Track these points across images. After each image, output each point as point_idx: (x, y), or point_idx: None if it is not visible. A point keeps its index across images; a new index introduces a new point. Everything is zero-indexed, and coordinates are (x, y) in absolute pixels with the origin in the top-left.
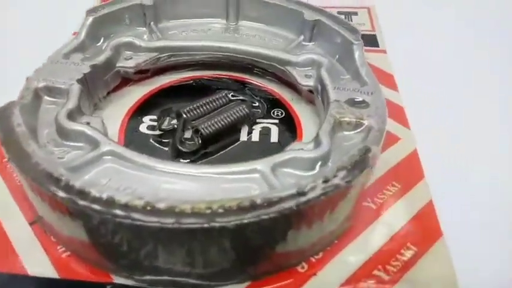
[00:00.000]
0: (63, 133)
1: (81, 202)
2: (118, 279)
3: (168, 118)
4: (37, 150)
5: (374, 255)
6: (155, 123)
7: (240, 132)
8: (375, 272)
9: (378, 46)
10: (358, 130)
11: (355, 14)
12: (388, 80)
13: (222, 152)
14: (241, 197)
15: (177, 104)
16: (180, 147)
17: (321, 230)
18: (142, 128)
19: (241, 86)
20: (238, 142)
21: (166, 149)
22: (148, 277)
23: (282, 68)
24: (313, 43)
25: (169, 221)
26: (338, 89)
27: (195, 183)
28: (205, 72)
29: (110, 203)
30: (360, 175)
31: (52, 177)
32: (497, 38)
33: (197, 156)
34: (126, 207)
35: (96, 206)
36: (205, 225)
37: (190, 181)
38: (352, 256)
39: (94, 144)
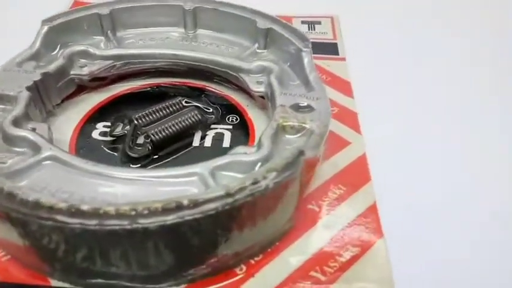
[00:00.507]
0: (8, 139)
1: (8, 205)
2: (55, 283)
3: (121, 124)
4: None
5: (313, 256)
6: (108, 130)
7: (193, 137)
8: (312, 273)
9: (338, 54)
10: (300, 134)
11: (319, 23)
12: (344, 87)
13: (172, 157)
14: (168, 199)
15: (133, 111)
16: (129, 153)
17: (256, 232)
18: (95, 135)
19: (198, 93)
20: (191, 147)
21: (116, 154)
22: (83, 280)
23: (236, 74)
24: (267, 50)
25: (92, 223)
26: (285, 95)
27: (133, 187)
28: (165, 79)
29: (35, 205)
30: (290, 177)
31: None
32: (454, 48)
33: (147, 161)
34: (50, 209)
35: (22, 209)
36: (128, 227)
37: (128, 185)
38: (292, 257)
39: (36, 149)
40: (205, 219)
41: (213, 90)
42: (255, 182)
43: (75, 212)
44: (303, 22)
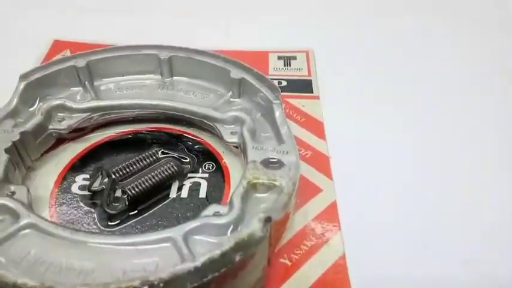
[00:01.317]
0: None
1: None
2: None
3: (99, 178)
4: None
5: None
6: (87, 183)
7: (170, 188)
8: None
9: (312, 92)
10: (269, 192)
11: (294, 58)
12: (317, 128)
13: (149, 212)
14: (136, 277)
15: (111, 161)
16: (107, 210)
17: None
18: (75, 188)
19: (175, 139)
20: (168, 200)
21: (95, 211)
22: None
23: (211, 124)
24: (241, 99)
25: None
26: (256, 149)
27: (109, 256)
28: (144, 125)
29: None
30: (255, 247)
31: None
32: (429, 87)
33: (125, 216)
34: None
35: None
36: None
37: (105, 253)
38: None
39: (15, 217)
40: None
41: (190, 135)
42: (223, 255)
43: None
44: (279, 57)
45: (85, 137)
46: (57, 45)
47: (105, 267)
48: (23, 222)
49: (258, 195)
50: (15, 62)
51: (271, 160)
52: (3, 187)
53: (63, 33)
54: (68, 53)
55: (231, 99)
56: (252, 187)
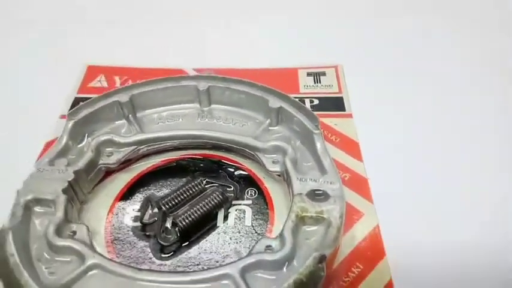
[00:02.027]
0: (53, 248)
1: None
2: None
3: (149, 209)
4: (30, 280)
5: None
6: (138, 214)
7: (216, 217)
8: None
9: (344, 110)
10: (318, 226)
11: (324, 74)
12: (353, 149)
13: (200, 242)
14: None
15: (158, 188)
16: (161, 242)
17: None
18: (127, 220)
19: (216, 165)
20: (216, 229)
21: (148, 243)
22: None
23: (252, 152)
24: (280, 127)
25: None
26: (300, 181)
27: None
28: (184, 152)
29: None
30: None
31: None
32: (471, 101)
33: (177, 247)
34: None
35: None
36: None
37: None
38: None
39: (80, 257)
40: None
41: (230, 161)
42: None
43: None
44: (308, 74)
45: (130, 167)
46: (92, 71)
47: None
48: (89, 263)
49: (307, 228)
50: (52, 88)
51: (316, 192)
52: (65, 227)
53: (95, 58)
54: (102, 78)
55: (270, 128)
56: (301, 220)
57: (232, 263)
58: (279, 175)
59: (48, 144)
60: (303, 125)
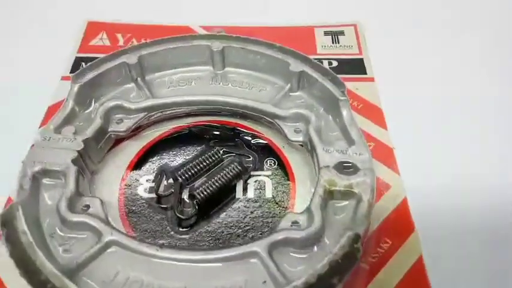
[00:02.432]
0: (66, 225)
1: None
2: None
3: (164, 179)
4: (44, 261)
5: None
6: (152, 184)
7: (235, 189)
8: None
9: (365, 73)
10: (348, 201)
11: (342, 33)
12: (376, 116)
13: (220, 216)
14: None
15: (171, 157)
16: (179, 216)
17: None
18: (141, 191)
19: (232, 133)
20: (235, 201)
21: (165, 216)
22: None
23: (271, 120)
24: (301, 93)
25: None
26: (326, 152)
27: (196, 274)
28: (197, 119)
29: None
30: (351, 270)
31: None
32: (503, 65)
33: (195, 220)
34: None
35: None
36: None
37: (190, 272)
38: None
39: (97, 233)
40: None
41: (247, 129)
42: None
43: None
44: (325, 33)
45: (141, 134)
46: (92, 27)
47: (195, 286)
48: (107, 239)
49: (335, 203)
50: (51, 47)
51: (345, 165)
52: (77, 201)
53: (96, 13)
54: (104, 36)
55: (290, 93)
56: (329, 195)
57: (258, 239)
58: (301, 145)
59: (51, 109)
60: (328, 91)
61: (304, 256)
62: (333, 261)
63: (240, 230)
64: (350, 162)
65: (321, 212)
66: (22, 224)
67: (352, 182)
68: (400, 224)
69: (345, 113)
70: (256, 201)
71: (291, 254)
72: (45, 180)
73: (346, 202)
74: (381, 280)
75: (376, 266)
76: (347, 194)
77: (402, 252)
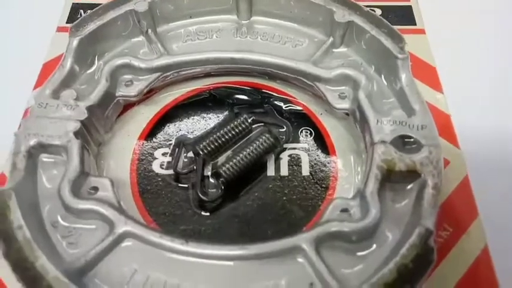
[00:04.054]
0: (70, 212)
1: None
2: None
3: (182, 153)
4: (46, 263)
5: None
6: (169, 159)
7: (266, 165)
8: None
9: (414, 23)
10: (410, 186)
11: None
12: (429, 76)
13: (250, 197)
14: None
15: (189, 126)
16: (203, 198)
17: None
18: (156, 167)
19: (260, 97)
20: (267, 180)
21: (185, 197)
22: None
23: (310, 83)
24: (347, 49)
25: None
26: (382, 123)
27: (227, 275)
28: (219, 79)
29: None
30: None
31: None
32: None
33: (221, 202)
34: None
35: None
36: None
37: (222, 271)
38: None
39: (108, 223)
40: None
41: (277, 92)
42: None
43: None
44: None
45: (153, 98)
46: None
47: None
48: (120, 231)
49: (394, 187)
50: None
51: (406, 140)
52: (83, 183)
53: None
54: None
55: (333, 50)
56: (386, 177)
57: (302, 232)
58: (347, 114)
59: (47, 66)
60: (382, 47)
61: (361, 254)
62: (401, 265)
63: (274, 215)
64: (412, 137)
65: (378, 199)
66: (17, 217)
67: (414, 160)
68: (461, 208)
69: (404, 75)
70: (291, 180)
71: (343, 251)
72: (44, 157)
73: (408, 186)
74: (441, 275)
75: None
76: (409, 176)
77: (465, 241)
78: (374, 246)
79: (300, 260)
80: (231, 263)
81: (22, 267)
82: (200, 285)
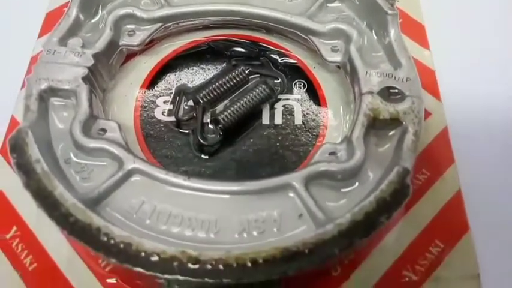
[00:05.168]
0: (82, 150)
1: (136, 268)
2: None
3: (183, 101)
4: (64, 192)
5: (403, 254)
6: (171, 107)
7: (261, 113)
8: (404, 272)
9: None
10: (392, 132)
11: None
12: (417, 32)
13: (246, 142)
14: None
15: (188, 75)
16: (203, 142)
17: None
18: (158, 114)
19: (257, 50)
20: (262, 127)
21: (186, 142)
22: None
23: (305, 36)
24: (340, 3)
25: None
26: (370, 75)
27: (226, 207)
28: (217, 31)
29: (162, 265)
30: (400, 208)
31: (90, 233)
32: None
33: (219, 147)
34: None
35: (150, 272)
36: None
37: (221, 204)
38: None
39: (117, 160)
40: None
41: (273, 45)
42: (369, 220)
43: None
44: None
45: (154, 48)
46: None
47: (227, 219)
48: (129, 167)
49: (378, 133)
50: None
51: (391, 91)
52: (92, 124)
53: None
54: None
55: (327, 4)
56: (371, 124)
57: (292, 172)
58: (338, 66)
59: (50, 16)
60: (374, 3)
61: (345, 190)
62: (380, 199)
63: (268, 159)
64: (397, 88)
65: (363, 144)
66: (35, 152)
67: (398, 109)
68: (439, 155)
69: (393, 30)
70: (284, 128)
71: (330, 188)
72: (54, 101)
73: (390, 132)
74: (416, 213)
75: (412, 198)
76: (392, 124)
77: (440, 184)
78: (357, 184)
79: (291, 195)
80: (228, 196)
81: (42, 195)
82: (201, 215)
